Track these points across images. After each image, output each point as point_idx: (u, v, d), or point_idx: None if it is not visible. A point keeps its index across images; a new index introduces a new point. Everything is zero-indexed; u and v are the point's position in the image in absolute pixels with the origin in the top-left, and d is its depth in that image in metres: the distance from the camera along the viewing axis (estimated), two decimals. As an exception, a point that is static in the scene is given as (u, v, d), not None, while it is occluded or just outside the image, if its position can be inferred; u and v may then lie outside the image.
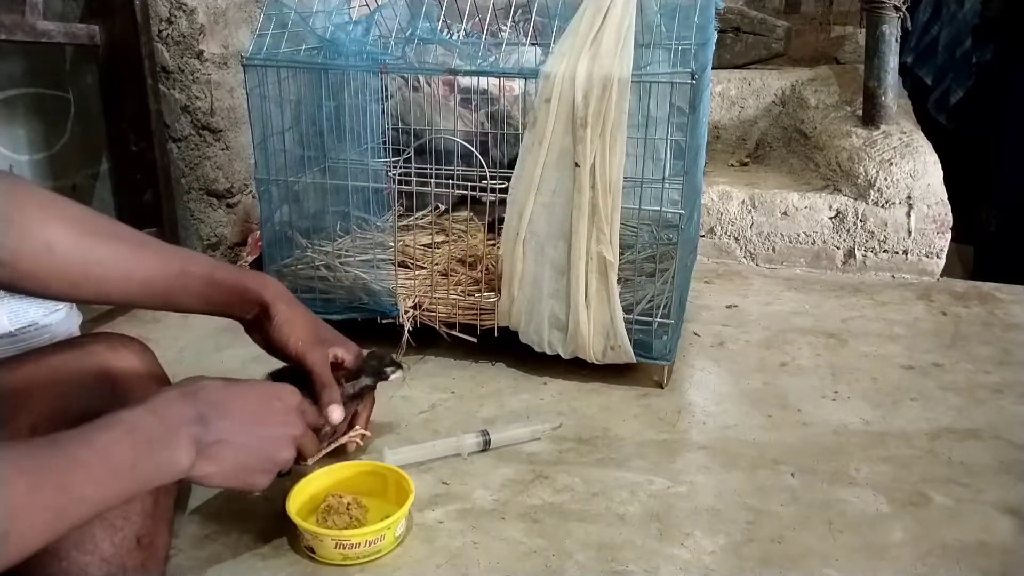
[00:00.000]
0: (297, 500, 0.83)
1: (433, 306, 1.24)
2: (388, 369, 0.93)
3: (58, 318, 1.13)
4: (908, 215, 1.74)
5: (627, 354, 1.15)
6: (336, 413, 0.82)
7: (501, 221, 1.19)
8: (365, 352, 0.93)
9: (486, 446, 1.01)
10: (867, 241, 1.77)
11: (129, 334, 0.82)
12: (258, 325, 0.80)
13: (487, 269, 1.26)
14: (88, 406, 0.71)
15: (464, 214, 1.44)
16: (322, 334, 0.86)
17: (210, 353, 1.26)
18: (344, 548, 0.77)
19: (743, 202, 1.83)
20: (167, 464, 0.58)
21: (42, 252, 0.62)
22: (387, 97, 1.54)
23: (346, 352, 0.89)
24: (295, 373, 0.82)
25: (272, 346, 0.82)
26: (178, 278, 0.71)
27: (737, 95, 2.30)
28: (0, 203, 0.61)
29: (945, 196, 1.73)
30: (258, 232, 1.45)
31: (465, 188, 1.24)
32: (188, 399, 0.62)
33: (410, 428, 1.07)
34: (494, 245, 1.25)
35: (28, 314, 1.10)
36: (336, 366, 0.87)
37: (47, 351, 0.76)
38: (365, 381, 0.91)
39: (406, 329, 1.22)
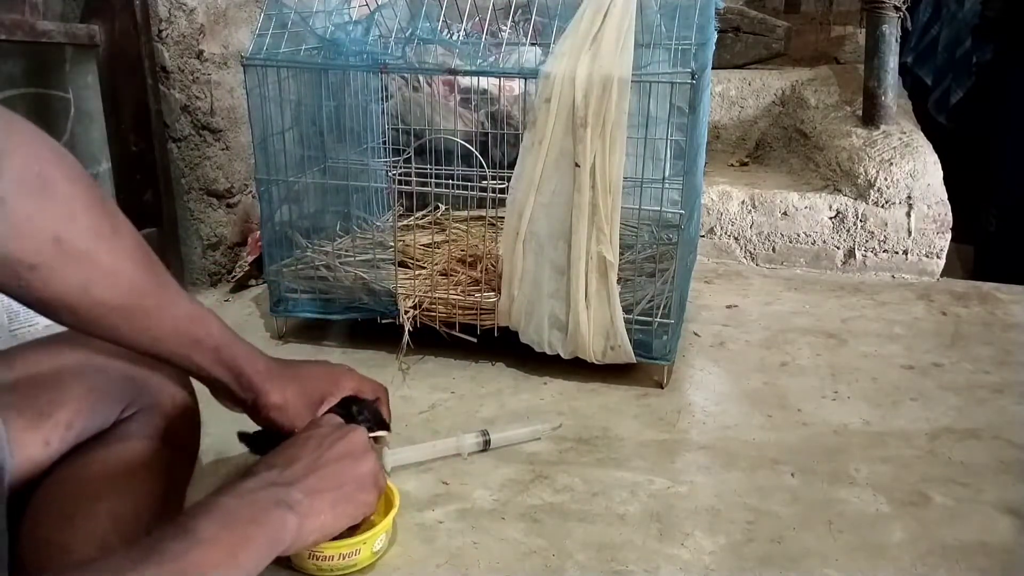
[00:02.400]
0: None
1: (433, 306, 1.24)
2: (371, 429, 0.86)
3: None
4: (908, 215, 1.74)
5: (627, 354, 1.15)
6: None
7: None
8: (354, 405, 0.87)
9: (486, 446, 1.01)
10: (867, 241, 1.77)
11: None
12: (247, 408, 0.77)
13: (487, 269, 1.26)
14: (118, 404, 0.72)
15: (464, 214, 1.44)
16: (313, 398, 0.82)
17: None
18: (318, 560, 0.76)
19: (743, 202, 1.83)
20: (273, 543, 0.57)
21: (78, 290, 0.56)
22: (387, 97, 1.54)
23: (341, 390, 0.85)
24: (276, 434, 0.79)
25: (265, 425, 0.80)
26: (188, 346, 0.67)
27: (737, 95, 2.30)
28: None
29: (945, 196, 1.73)
30: (258, 232, 1.45)
31: (465, 188, 1.24)
32: (261, 469, 0.63)
33: (410, 428, 1.07)
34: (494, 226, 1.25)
35: (28, 313, 1.10)
36: (352, 399, 0.86)
37: (70, 342, 0.73)
38: None
39: (406, 330, 1.22)
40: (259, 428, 0.82)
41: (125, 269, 0.59)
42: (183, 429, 0.77)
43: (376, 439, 0.85)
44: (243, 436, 0.85)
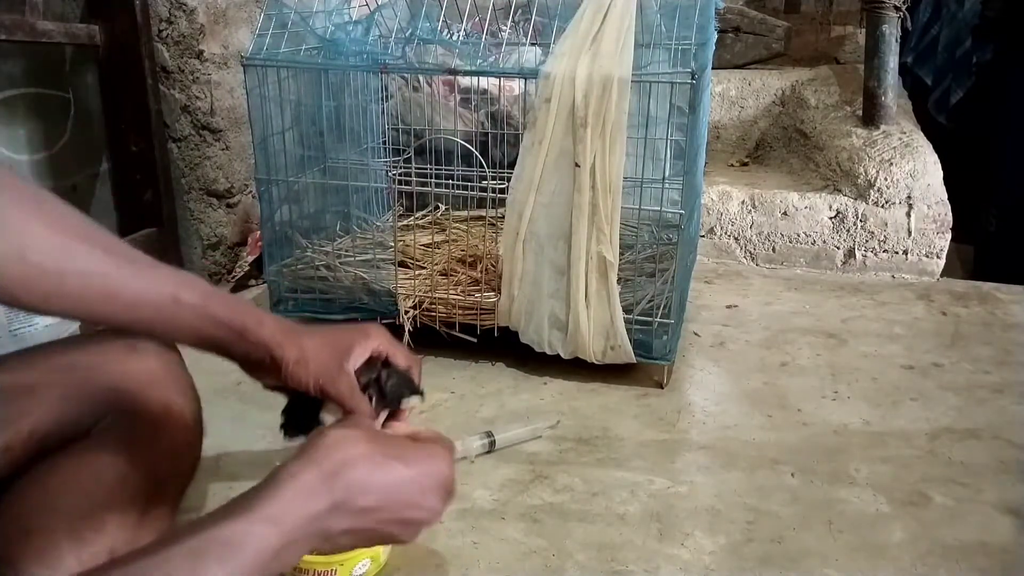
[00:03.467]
0: None
1: (433, 306, 1.24)
2: (403, 396, 0.77)
3: (57, 318, 1.13)
4: (908, 215, 1.74)
5: (627, 354, 1.15)
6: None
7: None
8: (383, 369, 0.78)
9: (491, 447, 1.01)
10: (867, 241, 1.77)
11: None
12: (264, 368, 0.69)
13: (487, 269, 1.26)
14: (94, 413, 0.68)
15: (464, 214, 1.44)
16: (339, 347, 0.73)
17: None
18: (294, 571, 0.74)
19: (743, 202, 1.83)
20: (278, 568, 0.49)
21: (12, 257, 0.53)
22: (387, 97, 1.54)
23: (373, 340, 0.75)
24: (307, 401, 0.72)
25: (288, 387, 0.71)
26: (169, 306, 0.61)
27: (737, 95, 2.30)
28: None
29: (945, 196, 1.73)
30: (258, 232, 1.45)
31: (465, 188, 1.24)
32: (325, 485, 0.52)
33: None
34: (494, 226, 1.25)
35: (28, 313, 1.10)
36: (373, 360, 0.75)
37: (61, 348, 0.71)
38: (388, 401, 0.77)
39: (406, 329, 1.22)
40: (288, 403, 0.74)
41: (64, 236, 0.56)
42: (175, 439, 0.72)
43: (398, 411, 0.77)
44: (283, 428, 0.75)
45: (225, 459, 0.96)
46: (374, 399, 0.73)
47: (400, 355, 0.77)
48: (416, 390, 0.77)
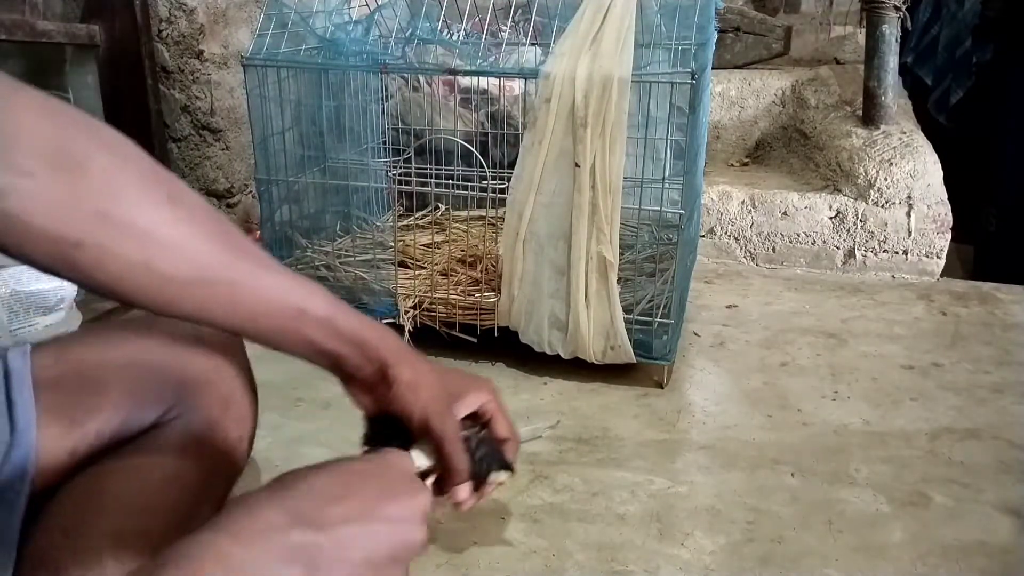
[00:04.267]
0: None
1: (433, 306, 1.24)
2: (491, 469, 0.72)
3: (57, 318, 1.13)
4: (908, 215, 1.74)
5: (627, 354, 1.15)
6: (463, 494, 0.68)
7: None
8: (478, 431, 0.74)
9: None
10: (867, 241, 1.77)
11: None
12: (371, 386, 0.65)
13: (487, 269, 1.26)
14: (158, 408, 0.66)
15: (464, 214, 1.44)
16: (451, 388, 0.69)
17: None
18: None
19: (743, 202, 1.83)
20: None
21: (138, 267, 0.50)
22: (387, 97, 1.54)
23: (484, 395, 0.73)
24: (391, 425, 0.68)
25: (390, 410, 0.66)
26: (293, 318, 0.57)
27: (737, 95, 2.30)
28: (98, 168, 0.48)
29: (945, 196, 1.73)
30: (258, 232, 1.45)
31: (465, 188, 1.24)
32: (275, 499, 0.47)
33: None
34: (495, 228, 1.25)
35: (28, 313, 1.10)
36: (475, 417, 0.73)
37: (129, 334, 0.67)
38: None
39: (406, 330, 1.22)
40: (375, 421, 0.69)
41: (192, 240, 0.52)
42: (229, 435, 0.70)
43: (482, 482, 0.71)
44: (367, 442, 0.70)
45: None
46: (482, 469, 0.69)
47: (503, 423, 0.74)
48: (506, 465, 0.72)
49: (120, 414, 0.64)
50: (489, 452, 0.70)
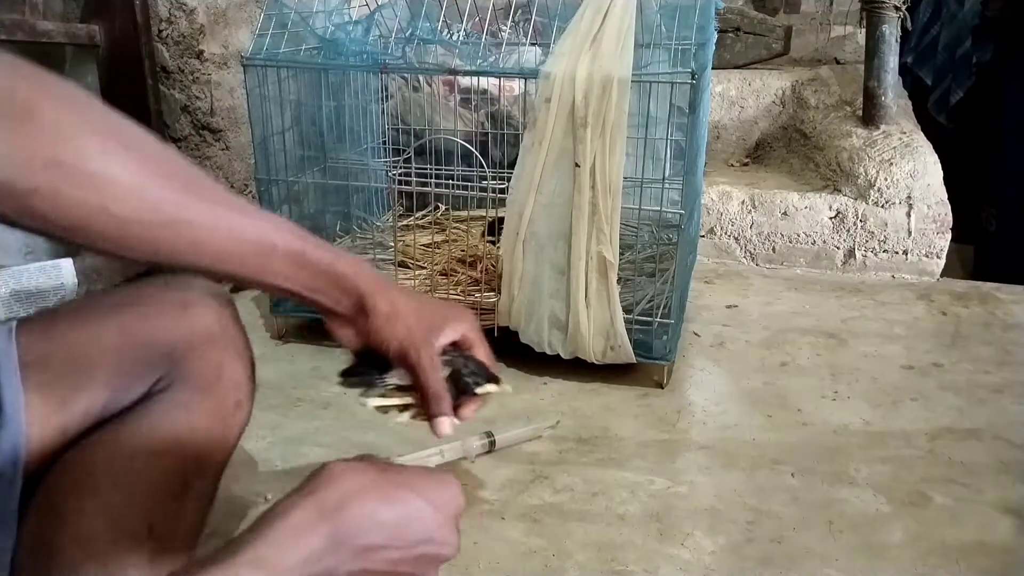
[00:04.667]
0: None
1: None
2: (478, 384, 0.74)
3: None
4: (908, 215, 1.74)
5: (627, 354, 1.15)
6: (445, 427, 0.68)
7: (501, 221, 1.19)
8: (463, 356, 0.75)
9: (491, 447, 1.01)
10: (867, 241, 1.77)
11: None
12: (350, 319, 0.65)
13: (487, 269, 1.26)
14: (148, 378, 0.65)
15: (464, 214, 1.44)
16: (431, 319, 0.68)
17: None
18: None
19: (743, 202, 1.83)
20: None
21: (96, 210, 0.49)
22: (387, 97, 1.54)
23: (464, 325, 0.72)
24: (376, 358, 0.68)
25: (369, 344, 0.66)
26: (263, 254, 0.57)
27: (737, 95, 2.30)
28: (51, 119, 0.48)
29: (945, 196, 1.73)
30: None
31: (465, 188, 1.24)
32: (321, 521, 0.46)
33: (410, 429, 1.07)
34: (494, 243, 1.25)
35: (27, 312, 1.10)
36: (457, 345, 0.72)
37: (113, 306, 0.67)
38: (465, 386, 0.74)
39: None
40: (357, 358, 0.69)
41: (150, 182, 0.52)
42: (225, 401, 0.69)
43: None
44: (344, 373, 0.70)
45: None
46: (449, 383, 0.70)
47: (483, 349, 0.73)
48: (493, 378, 0.73)
49: (108, 390, 0.64)
50: (474, 369, 0.71)
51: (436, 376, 0.66)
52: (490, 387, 0.73)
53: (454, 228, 1.41)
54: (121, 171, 0.50)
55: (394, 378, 0.68)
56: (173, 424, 0.65)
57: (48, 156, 0.48)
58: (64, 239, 0.50)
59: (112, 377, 0.64)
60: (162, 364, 0.66)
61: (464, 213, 1.44)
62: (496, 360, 0.73)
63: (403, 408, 0.70)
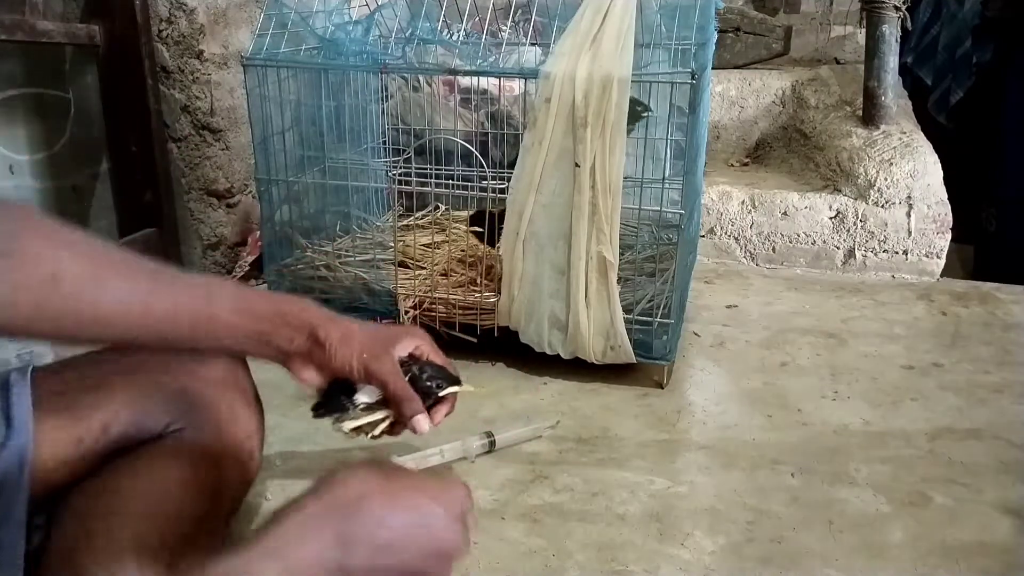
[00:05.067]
0: None
1: (433, 306, 1.24)
2: (440, 387, 0.77)
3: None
4: (908, 215, 1.74)
5: (627, 354, 1.15)
6: (423, 424, 0.72)
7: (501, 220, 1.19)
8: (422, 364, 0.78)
9: (491, 447, 1.01)
10: (867, 241, 1.77)
11: None
12: (307, 356, 0.68)
13: (485, 269, 1.26)
14: (166, 415, 0.68)
15: (464, 214, 1.44)
16: (384, 334, 0.73)
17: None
18: None
19: (743, 202, 1.83)
20: None
21: (47, 284, 0.54)
22: (387, 97, 1.54)
23: (417, 339, 0.76)
24: (343, 385, 0.72)
25: (332, 373, 0.70)
26: (205, 312, 0.61)
27: (737, 95, 2.30)
28: (1, 230, 0.54)
29: (945, 196, 1.73)
30: (258, 232, 1.45)
31: (465, 188, 1.24)
32: (332, 517, 0.49)
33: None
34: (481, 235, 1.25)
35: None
36: (413, 356, 0.76)
37: (128, 352, 0.70)
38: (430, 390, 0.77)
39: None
40: (324, 392, 0.72)
41: (94, 263, 0.57)
42: (240, 447, 0.72)
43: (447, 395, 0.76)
44: (315, 407, 0.74)
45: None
46: (431, 388, 0.74)
47: (439, 358, 0.77)
48: (455, 380, 0.77)
49: (128, 412, 0.65)
50: (435, 373, 0.75)
51: (402, 381, 0.71)
52: (453, 388, 0.77)
53: (454, 228, 1.41)
54: (70, 257, 0.55)
55: (363, 397, 0.72)
56: (199, 461, 0.67)
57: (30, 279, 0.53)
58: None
59: (131, 401, 0.66)
60: (178, 408, 0.69)
61: (464, 213, 1.44)
62: (453, 362, 0.78)
63: (376, 423, 0.73)
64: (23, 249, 0.53)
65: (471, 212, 1.33)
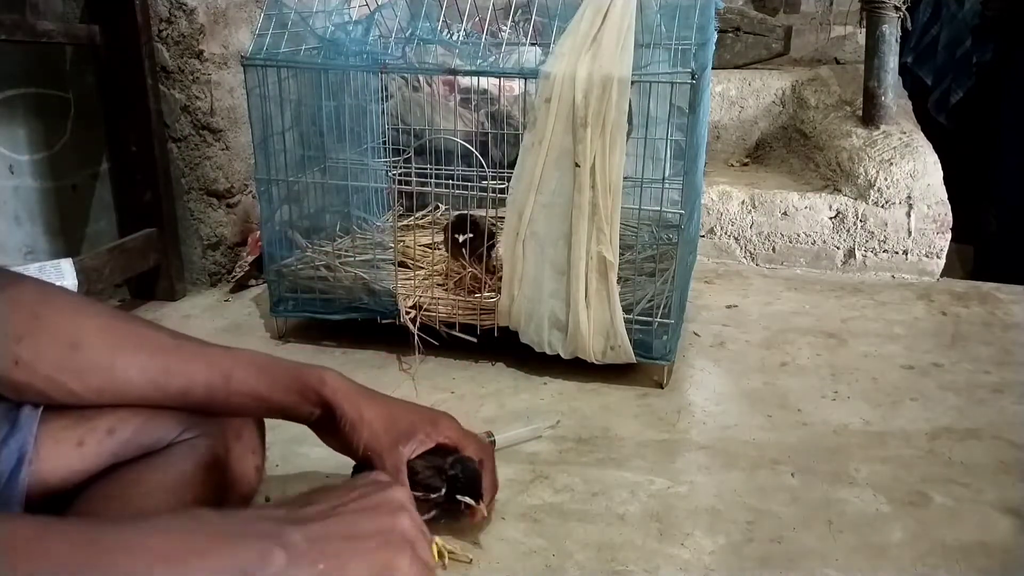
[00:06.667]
0: None
1: (433, 306, 1.24)
2: (459, 496, 0.77)
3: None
4: (908, 215, 1.74)
5: (627, 354, 1.15)
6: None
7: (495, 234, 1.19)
8: (450, 459, 0.77)
9: (491, 447, 1.01)
10: (867, 241, 1.77)
11: None
12: (327, 426, 0.71)
13: (487, 270, 1.26)
14: (173, 426, 0.68)
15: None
16: (399, 426, 0.73)
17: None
18: None
19: (743, 202, 1.84)
20: (243, 573, 0.46)
21: (66, 351, 0.59)
22: (387, 97, 1.54)
23: (441, 430, 0.76)
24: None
25: (346, 450, 0.73)
26: (221, 385, 0.65)
27: (737, 95, 2.30)
28: (28, 299, 0.59)
29: (945, 196, 1.73)
30: (258, 232, 1.45)
31: (465, 188, 1.24)
32: (277, 501, 0.57)
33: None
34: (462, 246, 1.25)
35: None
36: (441, 448, 0.77)
37: None
38: (440, 501, 0.77)
39: (415, 333, 1.22)
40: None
41: (113, 333, 0.63)
42: (245, 463, 0.73)
43: (465, 506, 0.76)
44: (352, 473, 0.76)
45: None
46: (433, 486, 0.75)
47: (472, 446, 0.79)
48: (476, 494, 0.77)
49: (135, 419, 0.66)
50: (463, 477, 0.75)
51: (401, 480, 0.72)
52: (470, 501, 0.77)
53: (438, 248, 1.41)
54: (90, 325, 0.62)
55: None
56: (206, 470, 0.69)
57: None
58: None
59: (138, 409, 0.67)
60: (187, 416, 0.69)
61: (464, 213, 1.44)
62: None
63: None
64: (47, 318, 0.59)
65: (450, 219, 1.28)
